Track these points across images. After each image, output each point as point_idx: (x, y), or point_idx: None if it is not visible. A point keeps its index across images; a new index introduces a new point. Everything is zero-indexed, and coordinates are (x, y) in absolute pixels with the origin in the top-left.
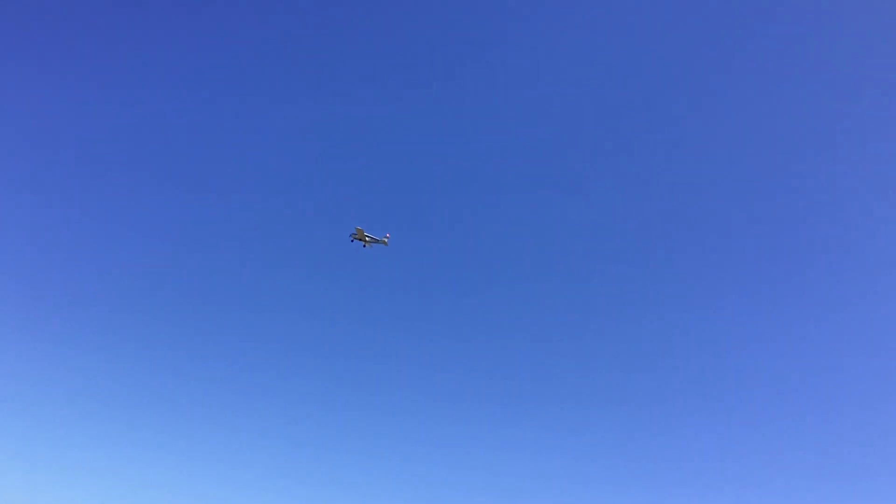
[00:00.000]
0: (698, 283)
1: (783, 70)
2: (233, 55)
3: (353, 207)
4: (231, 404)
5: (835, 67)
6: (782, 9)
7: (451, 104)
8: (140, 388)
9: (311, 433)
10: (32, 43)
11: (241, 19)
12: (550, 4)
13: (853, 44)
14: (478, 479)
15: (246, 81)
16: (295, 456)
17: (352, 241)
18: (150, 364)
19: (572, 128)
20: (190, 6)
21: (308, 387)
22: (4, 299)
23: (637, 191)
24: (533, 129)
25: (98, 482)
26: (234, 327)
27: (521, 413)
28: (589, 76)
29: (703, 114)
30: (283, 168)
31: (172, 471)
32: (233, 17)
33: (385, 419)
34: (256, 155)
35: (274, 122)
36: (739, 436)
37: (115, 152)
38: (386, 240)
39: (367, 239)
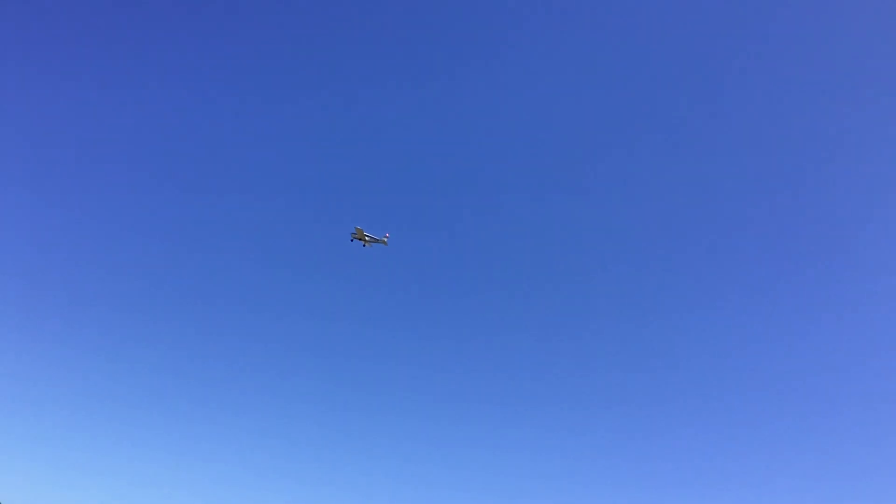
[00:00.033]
0: (699, 284)
1: (787, 71)
2: (233, 55)
3: (353, 207)
4: (231, 404)
5: (837, 69)
6: (784, 10)
7: (452, 104)
8: (140, 388)
9: (311, 433)
10: (32, 43)
11: (241, 19)
12: (553, 4)
13: (854, 44)
14: (478, 479)
15: (246, 81)
16: (295, 456)
17: (352, 240)
18: (149, 364)
19: (573, 128)
20: (190, 6)
21: (308, 386)
22: (4, 299)
23: (637, 191)
24: (533, 129)
25: (98, 482)
26: (234, 327)
27: (521, 413)
28: (592, 76)
29: (705, 115)
30: (283, 168)
31: (172, 471)
32: (233, 17)
33: (385, 419)
34: (256, 155)
35: (274, 121)
36: (739, 436)
37: (115, 152)
38: (386, 240)
39: (366, 239)
